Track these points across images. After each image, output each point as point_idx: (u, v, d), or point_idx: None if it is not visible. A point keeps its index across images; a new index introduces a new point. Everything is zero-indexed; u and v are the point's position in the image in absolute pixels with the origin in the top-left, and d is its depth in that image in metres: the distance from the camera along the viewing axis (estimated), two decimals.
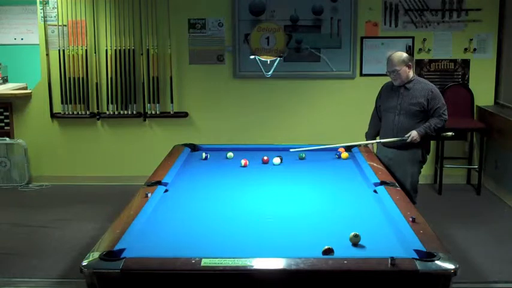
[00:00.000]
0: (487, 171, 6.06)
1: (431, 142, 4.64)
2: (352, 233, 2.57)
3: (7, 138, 6.26)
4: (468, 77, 6.17)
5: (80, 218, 5.21)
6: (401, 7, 6.06)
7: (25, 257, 4.32)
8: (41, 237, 4.78)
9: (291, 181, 3.77)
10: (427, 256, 2.34)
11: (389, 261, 2.24)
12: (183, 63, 6.20)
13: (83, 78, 6.14)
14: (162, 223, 2.92)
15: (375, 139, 4.55)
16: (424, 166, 4.43)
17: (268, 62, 5.07)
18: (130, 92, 6.16)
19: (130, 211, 2.99)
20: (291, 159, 4.31)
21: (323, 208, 3.20)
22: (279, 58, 5.06)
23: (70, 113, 6.19)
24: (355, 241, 2.55)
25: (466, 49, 6.11)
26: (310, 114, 6.25)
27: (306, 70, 6.15)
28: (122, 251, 2.43)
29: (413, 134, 4.19)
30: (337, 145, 4.56)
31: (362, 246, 2.54)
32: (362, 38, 6.11)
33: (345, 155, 4.37)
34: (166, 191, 3.45)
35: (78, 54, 6.10)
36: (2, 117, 6.30)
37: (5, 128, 6.31)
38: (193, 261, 2.29)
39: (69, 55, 6.10)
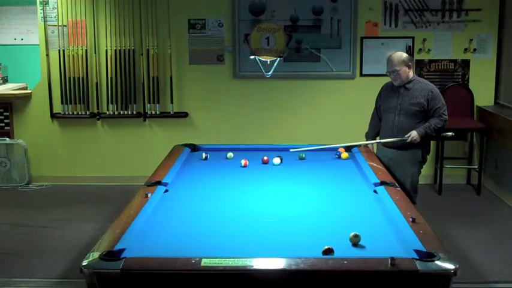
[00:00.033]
0: (487, 171, 6.06)
1: (431, 142, 4.64)
2: (352, 233, 2.57)
3: (7, 138, 6.26)
4: (468, 77, 6.17)
5: (80, 218, 5.21)
6: (401, 7, 6.06)
7: (25, 257, 4.32)
8: (41, 237, 4.78)
9: (291, 181, 3.77)
10: (427, 256, 2.34)
11: (390, 262, 2.24)
12: (183, 63, 6.20)
13: (83, 78, 6.15)
14: (162, 223, 2.92)
15: (375, 139, 4.55)
16: (424, 166, 4.43)
17: (268, 62, 5.07)
18: (130, 92, 6.16)
19: (130, 211, 2.99)
20: (291, 159, 4.31)
21: (323, 208, 3.20)
22: (279, 58, 5.06)
23: (70, 113, 6.19)
24: (355, 241, 2.55)
25: (466, 49, 6.11)
26: (310, 114, 6.25)
27: (306, 70, 6.15)
28: (122, 251, 2.43)
29: (413, 134, 4.19)
30: (337, 145, 4.56)
31: (362, 246, 2.54)
32: (362, 38, 6.11)
33: (345, 155, 4.37)
34: (166, 191, 3.45)
35: (78, 54, 6.10)
36: (2, 117, 6.30)
37: (5, 128, 6.31)
38: (193, 261, 2.29)
39: (69, 55, 6.10)
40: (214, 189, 3.58)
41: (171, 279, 2.31)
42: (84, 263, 2.32)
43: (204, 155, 4.39)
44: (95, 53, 6.13)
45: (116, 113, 6.19)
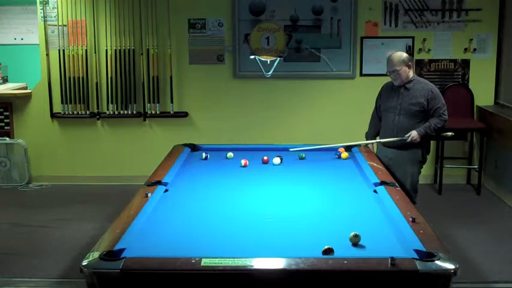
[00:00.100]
0: (487, 171, 6.06)
1: (431, 142, 4.64)
2: (352, 233, 2.57)
3: (7, 138, 6.26)
4: (468, 77, 6.17)
5: (80, 218, 5.21)
6: (401, 7, 6.06)
7: (25, 257, 4.32)
8: (41, 237, 4.78)
9: (291, 181, 3.77)
10: (427, 256, 2.34)
11: (390, 261, 2.24)
12: (183, 63, 6.20)
13: (83, 78, 6.15)
14: (162, 223, 2.92)
15: (375, 139, 4.55)
16: (424, 166, 4.43)
17: (268, 62, 5.07)
18: (131, 92, 6.16)
19: (130, 211, 2.99)
20: (291, 159, 4.30)
21: (323, 208, 3.20)
22: (279, 58, 5.06)
23: (70, 113, 6.19)
24: (355, 241, 2.55)
25: (466, 49, 6.11)
26: (310, 114, 6.25)
27: (306, 70, 6.15)
28: (122, 250, 2.43)
29: (413, 134, 4.19)
30: (337, 145, 4.56)
31: (362, 246, 2.54)
32: (362, 38, 6.11)
33: (345, 155, 4.37)
34: (166, 191, 3.45)
35: (78, 54, 6.10)
36: (2, 117, 6.30)
37: (5, 128, 6.31)
38: (193, 261, 2.29)
39: (69, 55, 6.10)
40: (214, 189, 3.58)
41: (171, 279, 2.31)
42: (84, 262, 2.32)
43: (204, 155, 4.39)
44: (95, 52, 6.13)
45: (116, 112, 6.19)
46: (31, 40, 7.35)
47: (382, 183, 3.51)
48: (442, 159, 5.88)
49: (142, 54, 6.12)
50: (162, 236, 2.73)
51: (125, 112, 6.19)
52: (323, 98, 6.23)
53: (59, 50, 6.09)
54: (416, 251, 2.41)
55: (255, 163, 4.16)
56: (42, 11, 6.08)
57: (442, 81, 6.11)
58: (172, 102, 6.19)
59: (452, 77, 6.18)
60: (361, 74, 6.16)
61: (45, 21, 6.10)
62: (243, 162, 4.10)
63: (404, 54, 4.27)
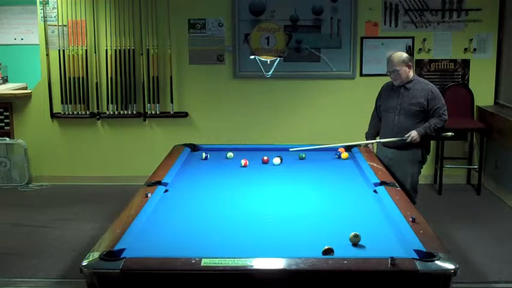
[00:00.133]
0: (487, 171, 6.06)
1: (431, 142, 4.64)
2: (352, 233, 2.57)
3: (7, 138, 6.26)
4: (468, 77, 6.17)
5: (80, 218, 5.21)
6: (401, 7, 6.06)
7: (25, 257, 4.32)
8: (41, 237, 4.78)
9: (291, 181, 3.77)
10: (427, 256, 2.34)
11: (389, 261, 2.24)
12: (183, 63, 6.20)
13: (83, 78, 6.15)
14: (162, 223, 2.92)
15: (374, 139, 4.55)
16: (424, 166, 4.43)
17: (268, 62, 5.07)
18: (130, 92, 6.16)
19: (130, 211, 2.99)
20: (291, 159, 4.30)
21: (323, 208, 3.20)
22: (279, 58, 5.06)
23: (70, 113, 6.19)
24: (355, 241, 2.55)
25: (466, 49, 6.11)
26: (310, 114, 6.25)
27: (306, 70, 6.15)
28: (122, 251, 2.43)
29: (413, 134, 4.19)
30: (337, 145, 4.56)
31: (362, 246, 2.54)
32: (362, 38, 6.11)
33: (345, 155, 4.37)
34: (166, 191, 3.45)
35: (78, 54, 6.10)
36: (2, 117, 6.30)
37: (5, 128, 6.31)
38: (193, 261, 2.29)
39: (69, 55, 6.10)
40: (214, 189, 3.58)
41: (171, 279, 2.31)
42: (84, 263, 2.32)
43: (204, 154, 4.39)
44: (95, 53, 6.13)
45: (116, 112, 6.19)
46: (31, 40, 7.35)
47: (382, 183, 3.51)
48: (442, 159, 5.88)
49: (142, 54, 6.12)
50: (162, 236, 2.73)
51: (125, 112, 6.19)
52: (323, 98, 6.23)
53: (59, 50, 6.09)
54: (416, 251, 2.41)
55: (255, 163, 4.16)
56: (42, 11, 6.08)
57: (442, 81, 6.11)
58: (172, 102, 6.19)
59: (452, 77, 6.18)
60: (361, 74, 6.16)
61: (45, 21, 6.10)
62: (243, 162, 4.10)
63: (405, 54, 4.27)
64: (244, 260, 2.32)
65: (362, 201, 3.30)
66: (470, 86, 6.16)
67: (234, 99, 6.25)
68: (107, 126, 6.32)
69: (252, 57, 5.09)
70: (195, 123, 6.29)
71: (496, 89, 6.22)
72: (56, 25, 6.08)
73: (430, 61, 6.16)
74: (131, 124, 6.28)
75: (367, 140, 4.60)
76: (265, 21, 5.69)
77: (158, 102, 6.17)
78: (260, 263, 2.30)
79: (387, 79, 4.45)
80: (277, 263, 2.30)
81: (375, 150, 4.62)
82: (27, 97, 6.28)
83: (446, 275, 2.26)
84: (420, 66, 6.13)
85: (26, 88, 6.66)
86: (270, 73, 5.14)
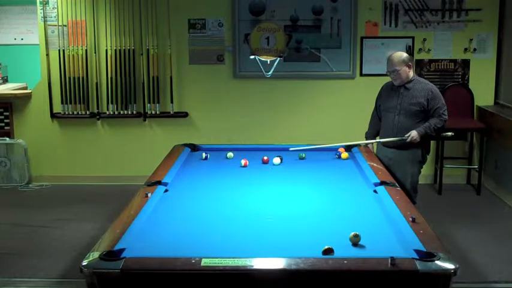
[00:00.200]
0: (487, 171, 6.06)
1: (431, 142, 4.64)
2: (352, 233, 2.57)
3: (7, 138, 6.26)
4: (468, 77, 6.17)
5: (80, 218, 5.21)
6: (401, 7, 6.06)
7: (25, 257, 4.32)
8: (41, 237, 4.78)
9: (291, 181, 3.77)
10: (427, 256, 2.34)
11: (389, 261, 2.24)
12: (183, 63, 6.20)
13: (83, 78, 6.15)
14: (162, 223, 2.92)
15: (374, 139, 4.55)
16: (424, 166, 4.43)
17: (268, 62, 5.07)
18: (130, 92, 6.16)
19: (130, 211, 2.99)
20: (291, 159, 4.30)
21: (323, 208, 3.20)
22: (279, 58, 5.06)
23: (70, 113, 6.19)
24: (355, 241, 2.55)
25: (466, 49, 6.11)
26: (310, 114, 6.25)
27: (306, 70, 6.15)
28: (122, 250, 2.43)
29: (413, 133, 4.19)
30: (337, 145, 4.56)
31: (362, 246, 2.54)
32: (362, 38, 6.11)
33: (345, 155, 4.37)
34: (166, 191, 3.45)
35: (78, 54, 6.10)
36: (2, 117, 6.30)
37: (5, 128, 6.31)
38: (193, 261, 2.29)
39: (69, 55, 6.10)
40: (214, 189, 3.58)
41: (171, 279, 2.31)
42: (84, 262, 2.32)
43: (204, 154, 4.39)
44: (95, 53, 6.13)
45: (116, 112, 6.19)
46: (31, 40, 7.35)
47: (382, 183, 3.51)
48: (442, 159, 5.88)
49: (142, 54, 6.12)
50: (162, 236, 2.73)
51: (125, 112, 6.19)
52: (323, 98, 6.23)
53: (59, 50, 6.09)
54: (416, 251, 2.41)
55: (255, 163, 4.16)
56: (42, 11, 6.08)
57: (442, 81, 6.11)
58: (172, 102, 6.19)
59: (452, 77, 6.18)
60: (361, 74, 6.16)
61: (45, 21, 6.10)
62: (243, 162, 4.10)
63: (405, 54, 4.27)
64: (244, 260, 2.32)
65: (362, 201, 3.30)
66: (470, 86, 6.16)
67: (234, 99, 6.25)
68: (107, 126, 6.32)
69: (252, 57, 5.09)
70: (195, 123, 6.29)
71: (496, 89, 6.22)
72: (56, 25, 6.08)
73: (430, 61, 6.16)
74: (131, 124, 6.28)
75: (367, 139, 4.60)
76: (265, 21, 5.69)
77: (158, 102, 6.17)
78: (260, 263, 2.30)
79: (387, 79, 4.45)
80: (277, 263, 2.30)
81: (375, 150, 4.62)
82: (27, 97, 6.28)
83: (446, 275, 2.26)
84: (420, 66, 6.13)
85: (26, 88, 6.66)
86: (270, 73, 5.15)
